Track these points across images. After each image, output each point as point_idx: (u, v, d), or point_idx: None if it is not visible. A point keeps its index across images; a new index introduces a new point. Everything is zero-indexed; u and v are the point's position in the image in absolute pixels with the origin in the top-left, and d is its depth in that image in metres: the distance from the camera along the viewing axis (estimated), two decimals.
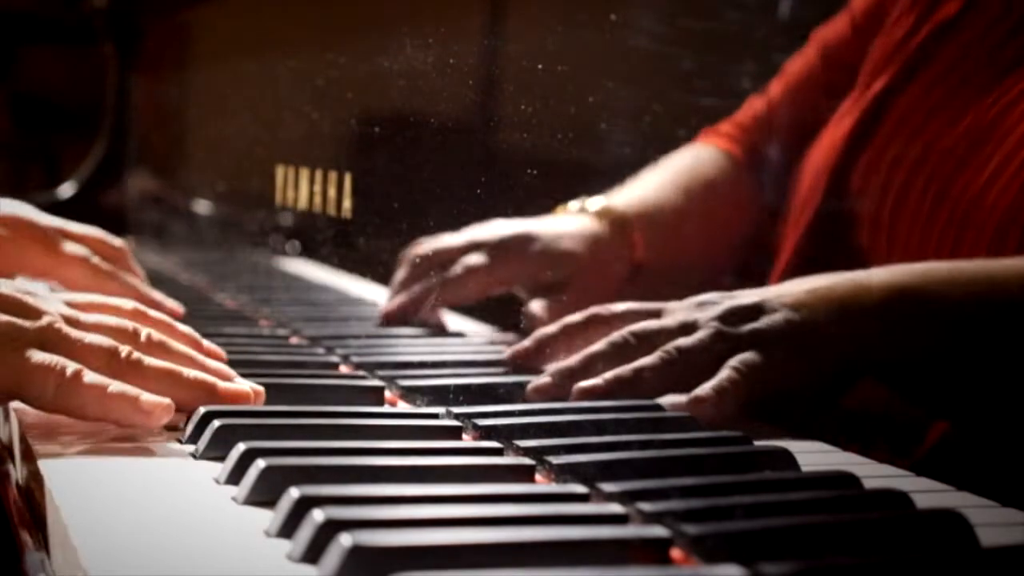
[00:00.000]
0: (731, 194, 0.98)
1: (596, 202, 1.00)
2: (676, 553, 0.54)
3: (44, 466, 0.68)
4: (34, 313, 0.78)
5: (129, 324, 0.82)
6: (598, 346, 0.86)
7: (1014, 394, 0.73)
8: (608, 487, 0.61)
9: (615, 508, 0.59)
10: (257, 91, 1.56)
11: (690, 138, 1.00)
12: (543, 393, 0.86)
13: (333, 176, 1.21)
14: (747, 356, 0.80)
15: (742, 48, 0.95)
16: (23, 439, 0.75)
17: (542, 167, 1.01)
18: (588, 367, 0.85)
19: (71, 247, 1.14)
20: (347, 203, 1.19)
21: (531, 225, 1.02)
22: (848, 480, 0.65)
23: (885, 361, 0.78)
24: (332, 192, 1.21)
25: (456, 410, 0.79)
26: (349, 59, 1.28)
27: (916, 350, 0.77)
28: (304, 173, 1.27)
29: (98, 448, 0.72)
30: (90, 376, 0.75)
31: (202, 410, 0.74)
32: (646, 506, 0.58)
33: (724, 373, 0.80)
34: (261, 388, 0.80)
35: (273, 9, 1.55)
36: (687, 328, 0.83)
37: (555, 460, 0.67)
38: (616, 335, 0.86)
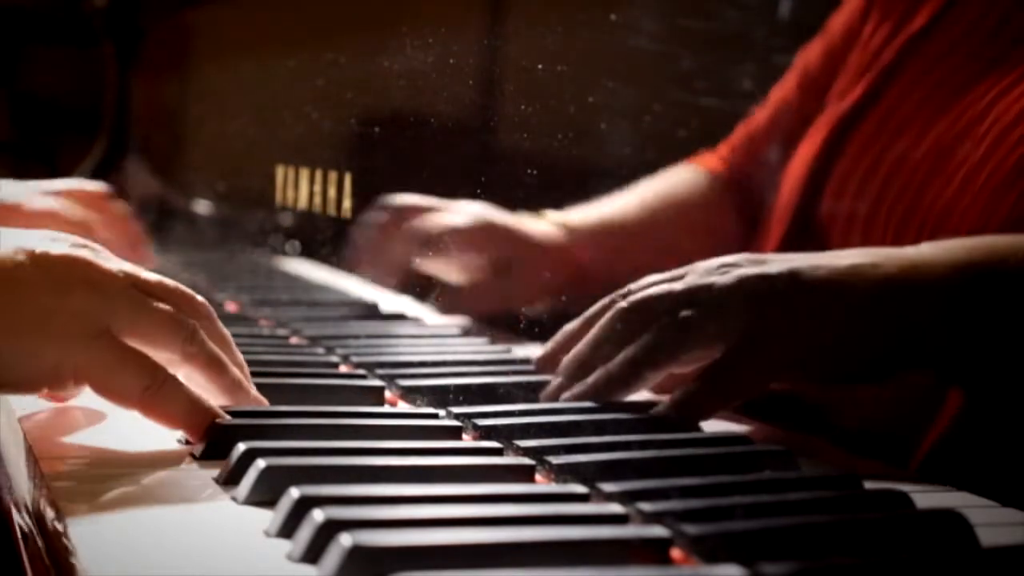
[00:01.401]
0: (703, 208, 0.96)
1: (556, 215, 1.04)
2: (676, 553, 0.54)
3: (45, 466, 0.68)
4: (108, 280, 0.74)
5: (184, 289, 0.78)
6: (604, 322, 0.80)
7: None
8: (608, 487, 0.61)
9: (615, 508, 0.59)
10: (257, 91, 1.56)
11: (690, 138, 1.00)
12: (556, 397, 0.81)
13: (333, 176, 1.21)
14: (764, 333, 0.73)
15: (742, 48, 0.95)
16: (25, 439, 0.75)
17: (542, 167, 1.01)
18: (595, 353, 0.80)
19: (38, 201, 1.10)
20: (347, 203, 1.19)
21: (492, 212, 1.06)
22: (848, 480, 0.65)
23: (945, 348, 0.71)
24: (332, 192, 1.21)
25: (456, 410, 0.79)
26: (349, 59, 1.28)
27: (985, 334, 0.70)
28: (304, 173, 1.27)
29: (98, 448, 0.72)
30: (181, 386, 0.73)
31: None
32: (646, 506, 0.58)
33: (695, 383, 0.75)
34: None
35: (273, 9, 1.55)
36: (699, 291, 0.75)
37: (555, 460, 0.67)
38: (615, 310, 0.79)
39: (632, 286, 0.80)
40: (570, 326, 0.85)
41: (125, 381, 0.72)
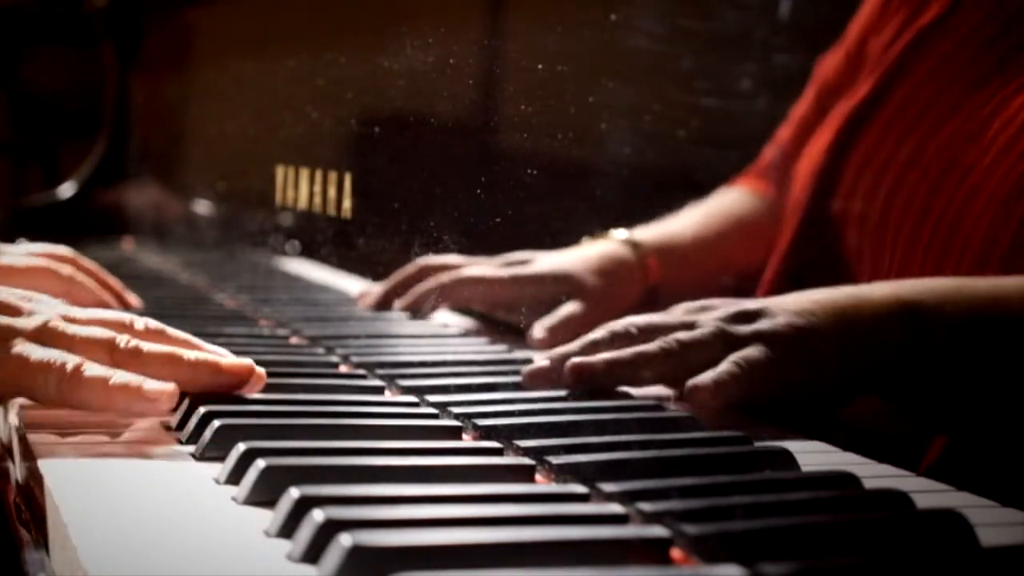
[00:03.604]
0: (756, 226, 0.99)
1: (620, 233, 1.04)
2: (676, 553, 0.54)
3: (44, 465, 0.68)
4: (29, 314, 0.79)
5: (126, 316, 0.83)
6: (598, 333, 0.86)
7: (1013, 414, 0.72)
8: (608, 487, 0.61)
9: (615, 508, 0.59)
10: (257, 91, 1.56)
11: (690, 138, 1.00)
12: (539, 378, 0.85)
13: (333, 176, 1.21)
14: (748, 352, 0.79)
15: (742, 48, 0.95)
16: (23, 438, 0.75)
17: (542, 167, 1.01)
18: (587, 353, 0.85)
19: (29, 261, 1.12)
20: (347, 203, 1.19)
21: (555, 257, 1.05)
22: (848, 480, 0.65)
23: (883, 374, 0.78)
24: (332, 192, 1.21)
25: (456, 410, 0.79)
26: (349, 59, 1.28)
27: (914, 365, 0.77)
28: (304, 173, 1.27)
29: (98, 447, 0.72)
30: (91, 369, 0.75)
31: (202, 409, 0.74)
32: (646, 506, 0.58)
33: (724, 366, 0.79)
34: (262, 370, 0.81)
35: (273, 9, 1.55)
36: (689, 326, 0.83)
37: (555, 460, 0.67)
38: (617, 323, 0.86)
39: (636, 320, 0.87)
40: (569, 347, 0.87)
41: (37, 384, 0.75)
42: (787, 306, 0.80)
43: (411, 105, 1.15)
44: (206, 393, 0.78)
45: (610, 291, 1.03)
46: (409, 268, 1.14)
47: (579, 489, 0.62)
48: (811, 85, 0.98)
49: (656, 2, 0.98)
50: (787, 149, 0.98)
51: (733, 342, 0.80)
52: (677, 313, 0.86)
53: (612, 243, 1.04)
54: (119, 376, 0.75)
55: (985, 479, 0.68)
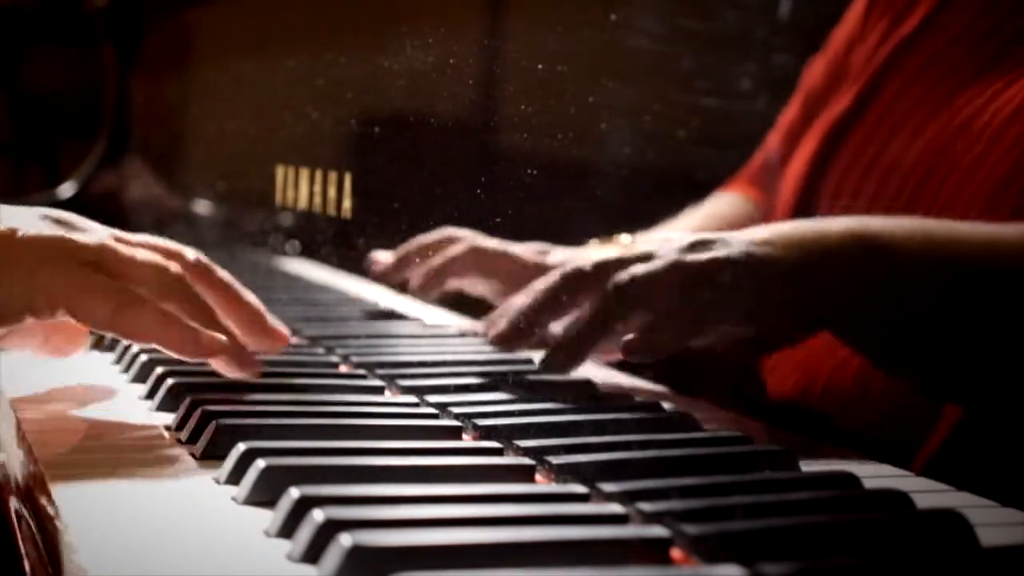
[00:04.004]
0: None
1: (625, 238, 1.03)
2: (676, 553, 0.54)
3: (45, 466, 0.68)
4: (87, 232, 0.80)
5: (175, 245, 0.85)
6: (550, 279, 0.84)
7: (971, 354, 0.72)
8: (608, 487, 0.61)
9: (615, 508, 0.59)
10: (257, 91, 1.56)
11: (690, 138, 1.00)
12: (507, 341, 0.84)
13: (333, 176, 1.21)
14: (695, 291, 0.78)
15: (742, 48, 0.95)
16: (23, 439, 0.75)
17: (542, 167, 1.01)
18: (549, 304, 0.84)
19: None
20: (347, 203, 1.19)
21: (567, 255, 1.04)
22: (848, 480, 0.65)
23: (840, 307, 0.76)
24: (332, 192, 1.21)
25: (456, 410, 0.79)
26: (349, 59, 1.28)
27: (871, 298, 0.75)
28: (304, 173, 1.27)
29: (98, 448, 0.72)
30: (149, 303, 0.77)
31: (202, 410, 0.74)
32: (646, 506, 0.58)
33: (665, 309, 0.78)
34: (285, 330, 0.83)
35: (273, 9, 1.55)
36: (646, 259, 0.81)
37: (555, 460, 0.67)
38: (568, 266, 0.84)
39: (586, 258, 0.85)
40: (518, 300, 0.87)
41: (93, 304, 0.76)
42: (746, 235, 0.79)
43: (411, 105, 1.15)
44: (209, 394, 0.78)
45: None
46: (430, 235, 1.13)
47: (579, 489, 0.62)
48: (798, 92, 0.98)
49: (656, 2, 0.98)
50: (775, 155, 0.99)
51: (689, 272, 0.79)
52: (637, 247, 0.83)
53: (617, 248, 1.04)
54: (177, 316, 0.77)
55: (985, 479, 0.68)
